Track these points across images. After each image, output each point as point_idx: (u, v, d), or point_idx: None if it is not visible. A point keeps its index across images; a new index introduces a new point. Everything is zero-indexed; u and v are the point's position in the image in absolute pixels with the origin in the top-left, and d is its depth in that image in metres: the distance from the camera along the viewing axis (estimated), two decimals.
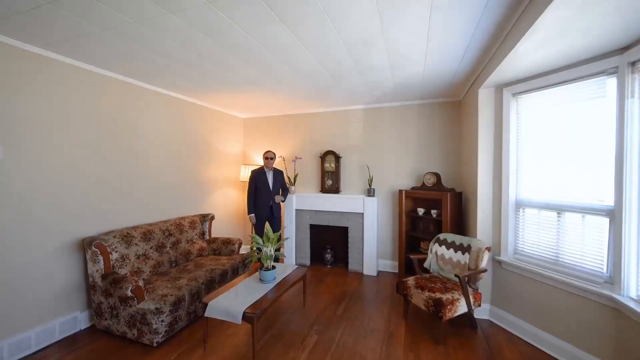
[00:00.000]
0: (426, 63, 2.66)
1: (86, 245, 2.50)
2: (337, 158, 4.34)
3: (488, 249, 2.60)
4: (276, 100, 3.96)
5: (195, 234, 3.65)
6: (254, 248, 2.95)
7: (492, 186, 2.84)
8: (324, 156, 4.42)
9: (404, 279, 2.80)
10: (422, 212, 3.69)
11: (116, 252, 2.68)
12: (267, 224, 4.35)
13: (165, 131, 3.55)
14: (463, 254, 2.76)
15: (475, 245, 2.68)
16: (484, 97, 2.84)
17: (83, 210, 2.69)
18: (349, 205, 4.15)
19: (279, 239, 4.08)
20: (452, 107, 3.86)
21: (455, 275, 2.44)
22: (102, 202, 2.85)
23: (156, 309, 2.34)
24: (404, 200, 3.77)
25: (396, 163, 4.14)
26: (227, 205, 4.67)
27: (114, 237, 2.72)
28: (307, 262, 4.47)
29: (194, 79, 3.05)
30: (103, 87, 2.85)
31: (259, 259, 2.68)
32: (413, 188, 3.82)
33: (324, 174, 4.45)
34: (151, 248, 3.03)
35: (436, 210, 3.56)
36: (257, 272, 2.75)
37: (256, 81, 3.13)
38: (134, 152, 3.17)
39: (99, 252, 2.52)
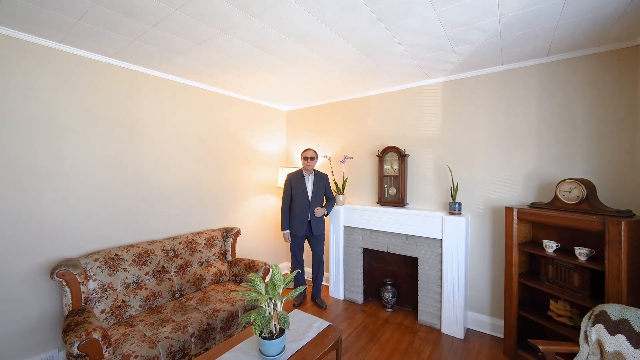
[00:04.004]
0: None
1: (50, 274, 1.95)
2: (402, 157, 3.04)
3: None
4: (310, 77, 2.94)
5: (213, 254, 2.92)
6: (246, 300, 2.04)
7: None
8: (382, 154, 3.18)
9: None
10: (554, 248, 2.10)
11: (95, 280, 2.09)
12: (305, 243, 3.39)
13: (181, 127, 2.92)
14: None
15: None
16: None
17: (67, 223, 2.19)
18: (419, 225, 2.82)
19: (314, 279, 2.93)
20: (619, 60, 2.13)
21: None
22: (93, 214, 2.32)
23: None
24: (515, 225, 2.25)
25: (499, 164, 2.61)
26: (262, 217, 3.87)
27: (96, 260, 2.13)
28: (359, 298, 3.29)
29: (201, 53, 2.29)
30: (99, 74, 2.33)
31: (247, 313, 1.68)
32: (533, 205, 2.27)
33: (382, 179, 3.21)
34: (147, 274, 2.38)
35: (587, 249, 1.94)
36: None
37: (264, 44, 2.17)
38: (140, 150, 2.60)
39: (64, 283, 1.94)
